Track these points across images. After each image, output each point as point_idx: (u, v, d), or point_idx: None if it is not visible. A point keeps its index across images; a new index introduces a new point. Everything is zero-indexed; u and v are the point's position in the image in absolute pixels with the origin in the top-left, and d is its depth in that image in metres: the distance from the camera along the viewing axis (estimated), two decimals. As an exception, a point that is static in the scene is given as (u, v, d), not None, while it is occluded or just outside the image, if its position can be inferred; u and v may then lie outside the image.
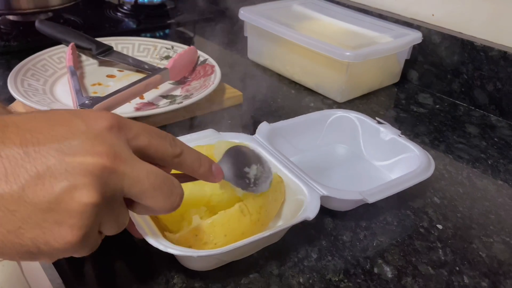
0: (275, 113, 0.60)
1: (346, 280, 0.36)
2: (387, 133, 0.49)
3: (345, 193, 0.40)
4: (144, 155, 0.26)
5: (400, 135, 0.49)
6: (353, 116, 0.52)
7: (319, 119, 0.52)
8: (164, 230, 0.35)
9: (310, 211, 0.36)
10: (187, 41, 0.85)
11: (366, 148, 0.51)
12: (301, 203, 0.38)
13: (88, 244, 0.24)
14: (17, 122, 0.23)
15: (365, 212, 0.43)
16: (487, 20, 0.64)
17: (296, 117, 0.51)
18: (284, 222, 0.39)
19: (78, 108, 0.25)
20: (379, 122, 0.51)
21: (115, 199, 0.25)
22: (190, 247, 0.33)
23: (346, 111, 0.53)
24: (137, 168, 0.25)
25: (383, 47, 0.63)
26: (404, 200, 0.45)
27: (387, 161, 0.49)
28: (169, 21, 0.91)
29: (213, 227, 0.33)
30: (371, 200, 0.39)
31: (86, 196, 0.22)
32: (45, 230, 0.22)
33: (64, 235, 0.22)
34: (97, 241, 0.26)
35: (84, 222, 0.23)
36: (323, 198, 0.38)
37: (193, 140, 0.44)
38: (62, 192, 0.22)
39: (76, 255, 0.26)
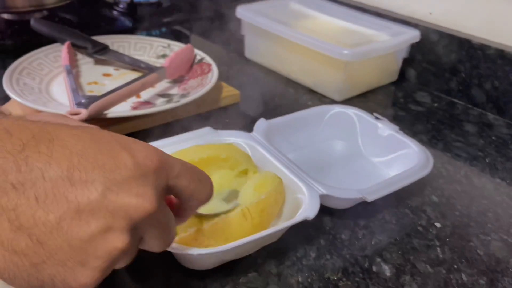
0: (273, 112, 0.60)
1: (344, 279, 0.36)
2: (385, 129, 0.49)
3: (345, 192, 0.40)
4: (173, 193, 0.25)
5: (398, 131, 0.49)
6: (351, 111, 0.52)
7: (317, 115, 0.52)
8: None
9: (310, 211, 0.36)
10: (183, 39, 0.84)
11: (364, 144, 0.51)
12: (300, 202, 0.38)
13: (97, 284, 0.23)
14: (65, 140, 0.21)
15: (363, 210, 0.43)
16: (485, 19, 0.64)
17: (293, 113, 0.51)
18: (283, 221, 0.38)
19: (124, 138, 0.24)
20: (377, 118, 0.51)
21: (137, 240, 0.23)
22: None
23: (343, 106, 0.53)
24: (164, 213, 0.24)
25: (381, 46, 0.63)
26: (402, 198, 0.45)
27: (385, 157, 0.49)
28: (165, 20, 0.91)
29: (214, 231, 0.33)
30: (370, 198, 0.39)
31: (119, 240, 0.21)
32: (67, 268, 0.20)
33: (85, 276, 0.21)
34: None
35: (108, 266, 0.21)
36: (322, 196, 0.38)
37: (190, 138, 0.43)
38: (97, 231, 0.20)
39: None
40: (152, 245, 0.25)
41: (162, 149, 0.40)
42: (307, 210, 0.36)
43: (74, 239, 0.20)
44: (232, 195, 0.39)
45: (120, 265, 0.24)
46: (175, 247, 0.31)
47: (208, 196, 0.27)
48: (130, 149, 0.23)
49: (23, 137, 0.20)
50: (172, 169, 0.24)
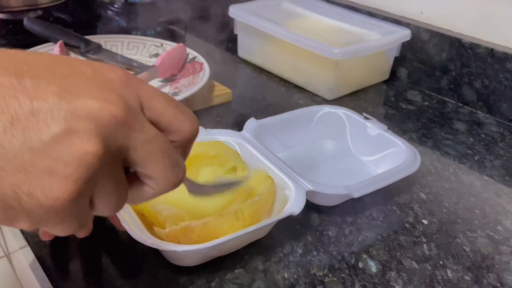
0: (265, 111, 0.60)
1: (330, 275, 0.36)
2: (374, 128, 0.50)
3: (331, 188, 0.40)
4: (147, 118, 0.22)
5: (387, 130, 0.49)
6: (341, 111, 0.52)
7: (307, 115, 0.52)
8: (152, 226, 0.35)
9: (296, 206, 0.36)
10: (178, 39, 0.84)
11: (353, 144, 0.52)
12: (287, 198, 0.38)
13: (78, 214, 0.20)
14: (11, 53, 0.20)
15: (351, 207, 0.43)
16: (475, 18, 0.64)
17: (283, 113, 0.51)
18: (271, 217, 0.39)
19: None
20: (366, 118, 0.51)
21: (117, 160, 0.20)
22: (179, 243, 0.33)
23: (333, 106, 0.53)
24: (146, 127, 0.21)
25: (372, 45, 0.63)
26: (390, 195, 0.45)
27: (374, 156, 0.49)
28: (160, 19, 0.91)
29: (206, 229, 0.33)
30: (356, 194, 0.39)
31: (87, 143, 0.18)
32: (32, 177, 0.18)
33: (55, 188, 0.18)
34: (87, 217, 0.21)
35: (81, 175, 0.18)
36: (309, 193, 0.39)
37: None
38: (59, 133, 0.18)
39: (60, 230, 0.21)
40: (155, 170, 0.22)
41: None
42: (293, 205, 0.36)
43: (32, 141, 0.18)
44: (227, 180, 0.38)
45: (104, 204, 0.21)
46: (158, 244, 0.32)
47: (191, 128, 0.23)
48: (90, 64, 0.21)
49: None
50: (142, 88, 0.21)
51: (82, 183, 0.18)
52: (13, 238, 0.69)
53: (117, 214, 0.33)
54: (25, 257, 0.51)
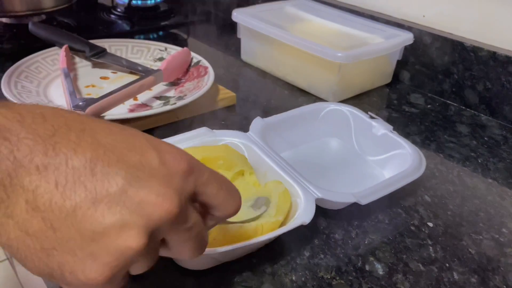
0: (268, 114, 0.60)
1: (338, 278, 0.36)
2: (379, 128, 0.50)
3: (339, 196, 0.40)
4: (200, 200, 0.24)
5: (392, 131, 0.49)
6: (346, 109, 0.53)
7: (312, 113, 0.53)
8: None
9: (306, 216, 0.36)
10: (181, 43, 0.85)
11: (358, 142, 0.52)
12: (296, 205, 0.38)
13: (110, 286, 0.22)
14: (96, 131, 0.21)
15: (357, 210, 0.43)
16: (477, 21, 0.65)
17: (288, 111, 0.52)
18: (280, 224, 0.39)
19: (155, 139, 0.23)
20: (371, 117, 0.51)
21: (156, 243, 0.23)
22: None
23: (338, 104, 0.53)
24: (190, 217, 0.23)
25: (374, 48, 0.64)
26: (396, 198, 0.46)
27: (379, 157, 0.50)
28: (162, 23, 0.91)
29: (223, 234, 0.33)
30: (364, 202, 0.39)
31: (133, 239, 0.20)
32: (77, 259, 0.20)
33: (94, 271, 0.20)
34: (120, 283, 0.23)
35: (119, 265, 0.20)
36: (317, 199, 0.39)
37: (187, 139, 0.44)
38: (111, 225, 0.20)
39: None
40: (180, 251, 0.24)
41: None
42: (303, 215, 0.36)
43: (87, 229, 0.20)
44: (260, 202, 0.39)
45: (136, 270, 0.23)
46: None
47: (235, 210, 0.26)
48: (159, 149, 0.22)
49: (55, 123, 0.21)
50: (201, 175, 0.23)
51: (119, 270, 0.21)
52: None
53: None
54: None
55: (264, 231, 0.35)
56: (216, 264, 0.36)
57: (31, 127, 0.20)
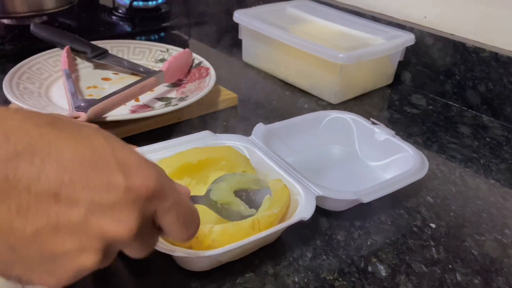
0: (270, 115, 0.60)
1: (340, 279, 0.36)
2: (382, 133, 0.50)
3: (340, 193, 0.40)
4: (156, 221, 0.25)
5: (394, 135, 0.49)
6: (348, 117, 0.53)
7: (314, 120, 0.53)
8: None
9: (306, 212, 0.36)
10: (182, 44, 0.85)
11: (361, 149, 0.52)
12: (297, 203, 0.38)
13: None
14: (63, 153, 0.21)
15: (359, 211, 0.43)
16: (479, 22, 0.65)
17: (291, 118, 0.52)
18: (281, 221, 0.39)
19: (126, 157, 0.23)
20: (373, 123, 0.51)
21: (114, 253, 0.24)
22: (190, 248, 0.33)
23: (341, 112, 0.53)
24: (146, 239, 0.24)
25: (376, 49, 0.64)
26: (398, 199, 0.46)
27: (381, 161, 0.50)
28: (164, 24, 0.92)
29: (222, 235, 0.33)
30: (366, 200, 0.39)
31: (90, 260, 0.21)
32: (35, 274, 0.22)
33: (50, 283, 0.22)
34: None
35: (74, 279, 0.22)
36: (318, 198, 0.39)
37: (189, 141, 0.44)
38: (70, 251, 0.21)
39: None
40: (131, 254, 0.25)
41: (160, 152, 0.40)
42: (303, 211, 0.36)
43: (46, 252, 0.21)
44: (251, 202, 0.39)
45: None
46: (173, 249, 0.32)
47: (182, 241, 0.27)
48: (127, 172, 0.22)
49: (19, 144, 0.20)
50: (164, 201, 0.23)
51: (72, 281, 0.22)
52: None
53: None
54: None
55: (261, 225, 0.35)
56: (218, 265, 0.36)
57: None
